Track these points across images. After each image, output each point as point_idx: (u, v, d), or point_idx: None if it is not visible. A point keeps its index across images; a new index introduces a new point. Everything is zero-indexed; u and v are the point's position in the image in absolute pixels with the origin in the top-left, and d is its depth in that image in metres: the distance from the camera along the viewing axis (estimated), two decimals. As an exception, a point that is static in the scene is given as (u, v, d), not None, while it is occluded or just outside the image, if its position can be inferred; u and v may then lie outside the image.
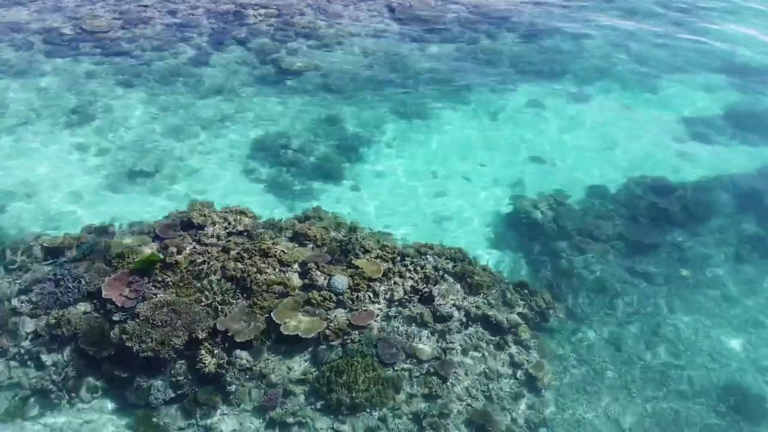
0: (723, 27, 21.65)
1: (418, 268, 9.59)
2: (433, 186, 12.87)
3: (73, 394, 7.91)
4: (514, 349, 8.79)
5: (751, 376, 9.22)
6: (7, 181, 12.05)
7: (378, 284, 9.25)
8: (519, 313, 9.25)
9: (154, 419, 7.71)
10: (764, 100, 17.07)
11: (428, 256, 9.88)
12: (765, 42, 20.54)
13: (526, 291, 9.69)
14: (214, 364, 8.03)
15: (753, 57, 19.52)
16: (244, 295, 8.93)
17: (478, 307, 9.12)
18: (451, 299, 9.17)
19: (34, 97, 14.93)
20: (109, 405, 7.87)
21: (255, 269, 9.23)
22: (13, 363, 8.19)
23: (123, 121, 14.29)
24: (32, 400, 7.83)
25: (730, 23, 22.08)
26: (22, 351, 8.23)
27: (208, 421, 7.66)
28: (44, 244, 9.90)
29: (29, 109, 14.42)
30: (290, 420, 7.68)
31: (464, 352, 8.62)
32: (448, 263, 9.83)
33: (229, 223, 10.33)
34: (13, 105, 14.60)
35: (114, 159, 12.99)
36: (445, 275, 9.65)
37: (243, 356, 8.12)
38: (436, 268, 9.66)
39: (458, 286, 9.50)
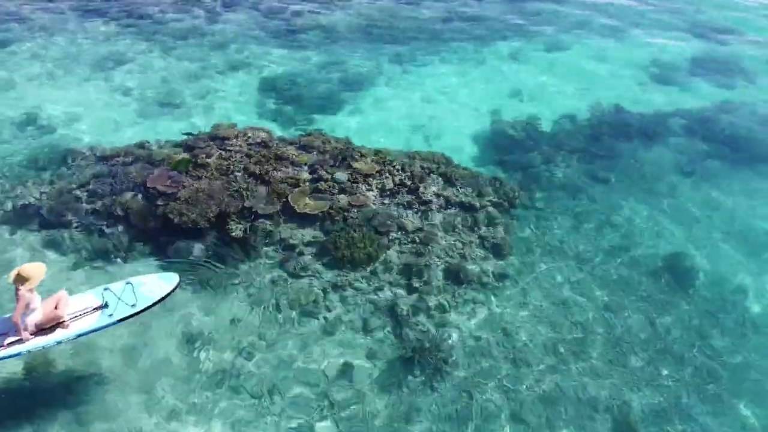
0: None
1: (407, 167, 11.47)
2: (424, 114, 14.75)
3: (127, 254, 9.82)
4: (483, 224, 10.66)
5: (684, 250, 11.04)
6: (53, 111, 13.92)
7: (372, 179, 11.14)
8: (490, 200, 11.11)
9: (193, 272, 9.60)
10: (723, 49, 18.78)
11: (416, 159, 11.76)
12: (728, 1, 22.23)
13: (498, 183, 11.56)
14: (241, 229, 9.96)
15: (716, 14, 21.26)
16: (263, 187, 10.85)
17: (456, 195, 11.00)
18: (434, 189, 11.05)
19: (71, 50, 16.87)
20: (156, 261, 9.76)
21: (272, 168, 11.16)
22: (77, 234, 10.13)
23: (148, 68, 16.20)
24: (96, 257, 9.74)
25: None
26: (86, 224, 10.18)
27: (240, 271, 9.57)
28: (96, 153, 11.87)
29: (67, 59, 16.35)
30: (304, 270, 9.60)
31: (443, 228, 10.50)
32: (433, 165, 11.71)
33: (249, 137, 12.24)
34: (52, 56, 16.51)
35: (142, 96, 14.89)
36: (430, 174, 11.52)
37: (266, 223, 10.04)
38: (422, 168, 11.54)
39: (440, 180, 11.38)
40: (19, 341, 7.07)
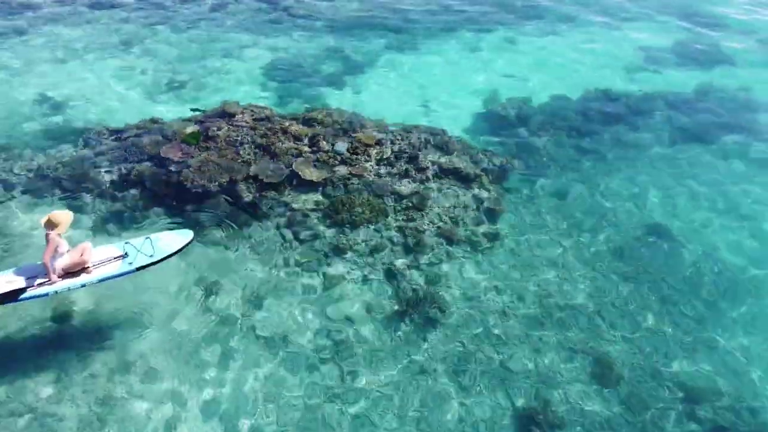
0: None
1: (405, 138, 12.17)
2: (420, 95, 15.45)
3: (143, 217, 10.47)
4: (477, 191, 11.36)
5: (665, 217, 11.74)
6: (67, 92, 14.60)
7: (372, 149, 11.83)
8: (483, 168, 11.81)
9: (205, 233, 10.26)
10: (706, 40, 19.53)
11: (413, 132, 12.45)
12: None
13: (491, 154, 12.26)
14: (249, 195, 10.63)
15: (701, 8, 22.05)
16: (269, 157, 11.54)
17: (450, 163, 11.69)
18: (430, 158, 11.74)
19: (82, 35, 17.58)
20: (171, 223, 10.41)
21: (277, 140, 11.85)
22: (96, 199, 10.80)
23: (157, 51, 16.90)
24: (113, 220, 10.41)
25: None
26: (103, 191, 10.85)
27: (248, 231, 10.25)
28: (110, 128, 12.56)
29: (78, 44, 17.04)
30: (307, 232, 10.27)
31: (438, 193, 11.19)
32: (429, 137, 12.41)
33: (254, 113, 12.92)
34: (64, 43, 17.19)
35: (152, 78, 15.57)
36: (427, 144, 12.22)
37: (271, 191, 10.72)
38: (419, 139, 12.23)
39: (436, 150, 12.07)
40: (48, 282, 7.74)
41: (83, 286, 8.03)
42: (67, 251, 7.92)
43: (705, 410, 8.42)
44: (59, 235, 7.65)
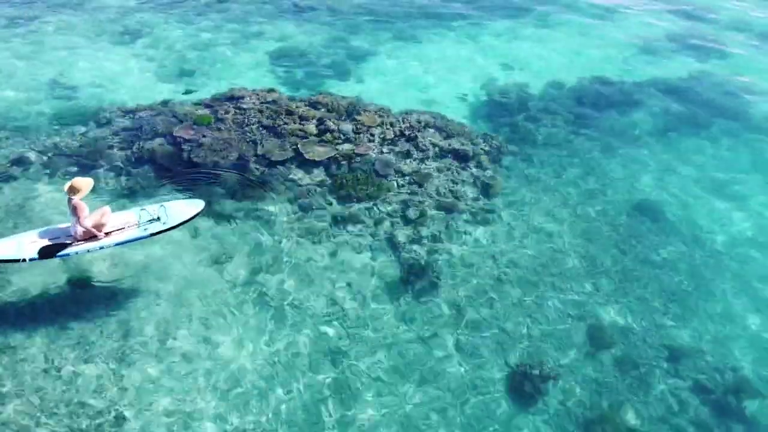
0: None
1: (406, 120, 12.65)
2: (421, 82, 15.93)
3: (156, 192, 10.96)
4: (475, 169, 11.83)
5: (656, 195, 12.21)
6: (78, 76, 15.09)
7: (374, 129, 12.31)
8: (481, 149, 12.29)
9: (216, 206, 10.74)
10: (701, 29, 20.01)
11: (413, 114, 12.93)
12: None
13: (488, 136, 12.74)
14: (257, 171, 11.12)
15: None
16: (276, 137, 12.02)
17: (449, 144, 12.16)
18: (430, 139, 12.22)
19: (93, 23, 18.07)
20: (182, 197, 10.88)
21: (283, 122, 12.33)
22: (110, 175, 11.30)
23: (166, 39, 17.38)
24: (127, 195, 10.90)
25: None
26: (117, 167, 11.35)
27: (257, 205, 10.73)
28: (123, 109, 13.05)
29: (90, 31, 17.54)
30: (314, 205, 10.75)
31: (438, 170, 11.66)
32: (429, 119, 12.88)
33: (261, 96, 13.41)
34: (74, 30, 17.69)
35: (161, 64, 16.06)
36: (427, 127, 12.70)
37: (279, 169, 11.20)
38: (419, 121, 12.71)
39: (436, 132, 12.55)
40: (70, 244, 8.24)
41: (101, 248, 8.52)
42: (88, 215, 8.42)
43: (688, 368, 8.90)
44: (81, 199, 8.14)
